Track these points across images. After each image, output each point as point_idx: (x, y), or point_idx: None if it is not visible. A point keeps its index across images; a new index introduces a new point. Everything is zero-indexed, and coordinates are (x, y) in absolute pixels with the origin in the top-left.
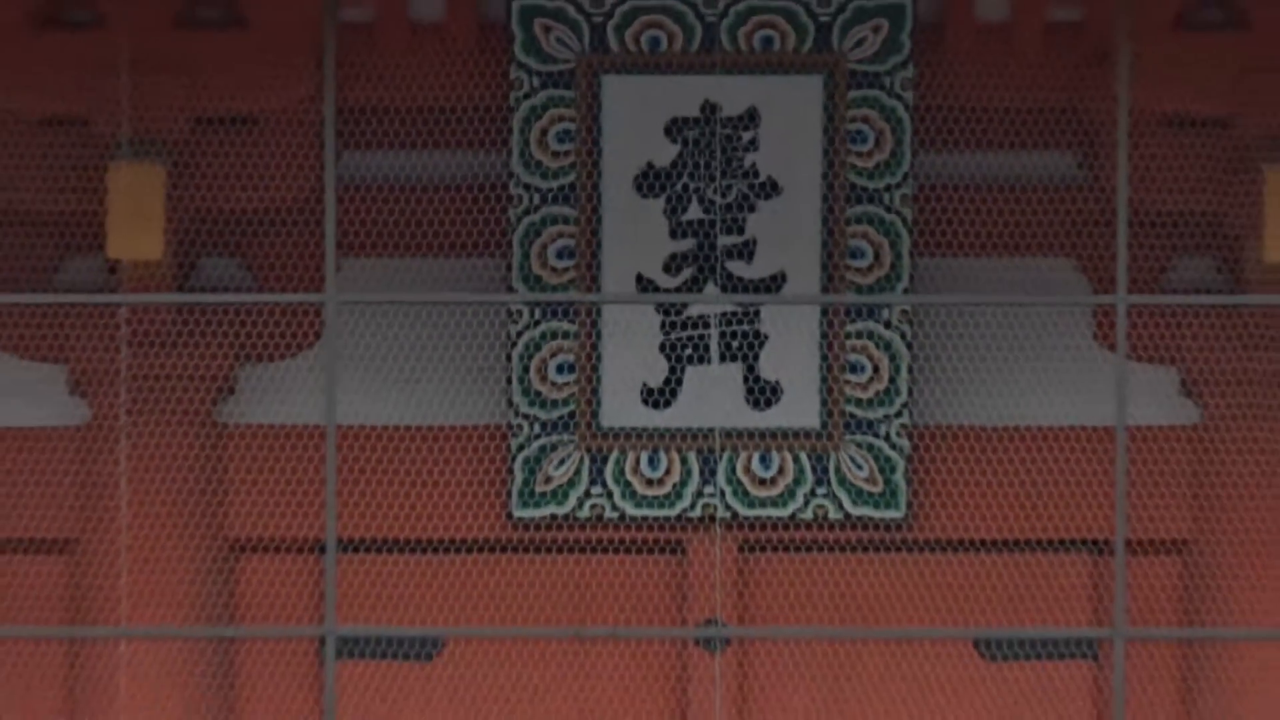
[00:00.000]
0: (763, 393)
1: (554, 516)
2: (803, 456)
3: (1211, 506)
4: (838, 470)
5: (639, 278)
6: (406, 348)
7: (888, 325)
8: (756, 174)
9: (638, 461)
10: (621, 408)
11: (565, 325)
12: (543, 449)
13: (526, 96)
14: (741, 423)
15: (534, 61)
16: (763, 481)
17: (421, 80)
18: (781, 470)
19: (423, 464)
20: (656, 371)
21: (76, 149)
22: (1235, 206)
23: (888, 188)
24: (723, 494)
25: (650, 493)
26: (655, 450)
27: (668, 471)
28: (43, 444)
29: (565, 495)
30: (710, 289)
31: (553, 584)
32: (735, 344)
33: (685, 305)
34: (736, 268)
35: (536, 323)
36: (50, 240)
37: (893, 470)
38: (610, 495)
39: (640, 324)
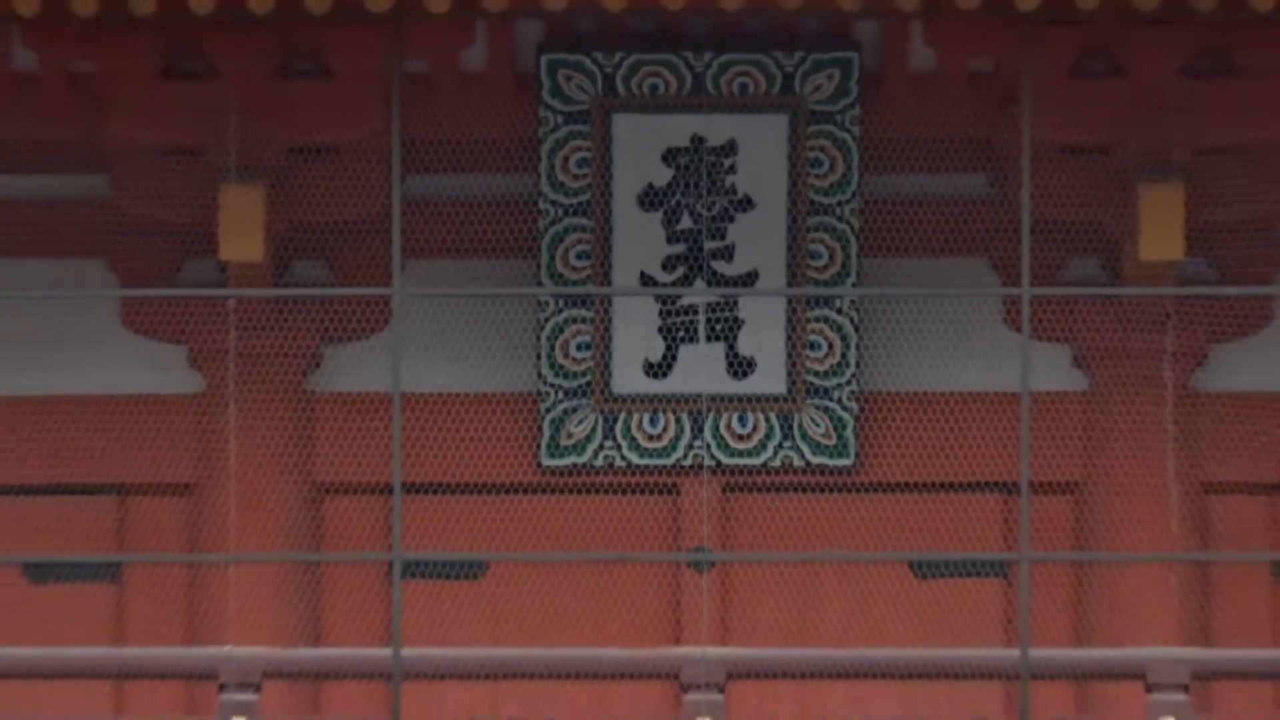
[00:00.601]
0: (740, 366)
1: (575, 465)
2: (772, 417)
3: (1097, 456)
4: (800, 427)
5: (642, 275)
6: (456, 331)
7: (840, 312)
8: (735, 192)
9: (641, 421)
10: (628, 378)
11: (583, 313)
12: (566, 411)
13: (552, 131)
14: (723, 389)
15: (558, 103)
16: (741, 436)
17: (468, 118)
18: (755, 428)
19: (470, 423)
20: (655, 349)
21: (194, 174)
22: (1116, 216)
23: (839, 203)
24: (709, 446)
25: (651, 446)
26: (655, 412)
27: (665, 429)
28: (168, 408)
29: (584, 448)
30: (699, 284)
31: (574, 519)
32: (718, 327)
33: (678, 297)
34: (720, 266)
35: (560, 311)
36: (174, 246)
37: (844, 427)
38: (619, 448)
39: (642, 312)
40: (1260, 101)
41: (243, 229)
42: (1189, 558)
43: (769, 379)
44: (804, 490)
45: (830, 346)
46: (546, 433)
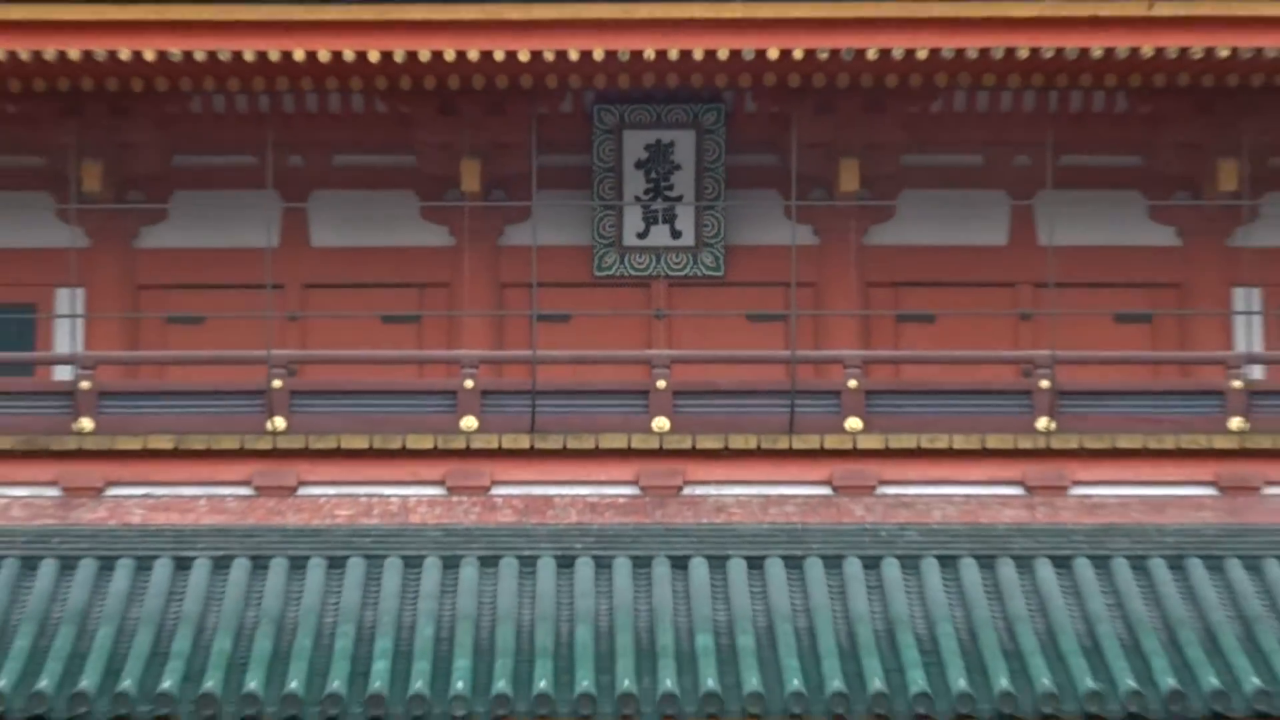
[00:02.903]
0: (675, 233)
1: (608, 275)
2: (688, 255)
3: None
4: (701, 260)
5: (636, 197)
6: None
7: (711, 212)
8: (674, 163)
9: (635, 257)
10: (629, 238)
11: (612, 214)
12: (605, 251)
13: (598, 137)
14: (668, 244)
15: (600, 125)
16: (675, 264)
17: (566, 131)
18: (682, 259)
19: (574, 263)
20: (640, 226)
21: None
22: None
23: (714, 165)
24: (663, 267)
25: (638, 268)
26: (640, 253)
27: (645, 260)
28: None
29: (612, 268)
30: (658, 200)
31: (609, 296)
32: (665, 216)
33: (651, 204)
34: (667, 192)
35: (606, 213)
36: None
37: (720, 258)
38: (627, 268)
39: (636, 211)
40: None
41: None
42: None
43: (687, 239)
44: (702, 286)
45: (717, 226)
46: (596, 260)
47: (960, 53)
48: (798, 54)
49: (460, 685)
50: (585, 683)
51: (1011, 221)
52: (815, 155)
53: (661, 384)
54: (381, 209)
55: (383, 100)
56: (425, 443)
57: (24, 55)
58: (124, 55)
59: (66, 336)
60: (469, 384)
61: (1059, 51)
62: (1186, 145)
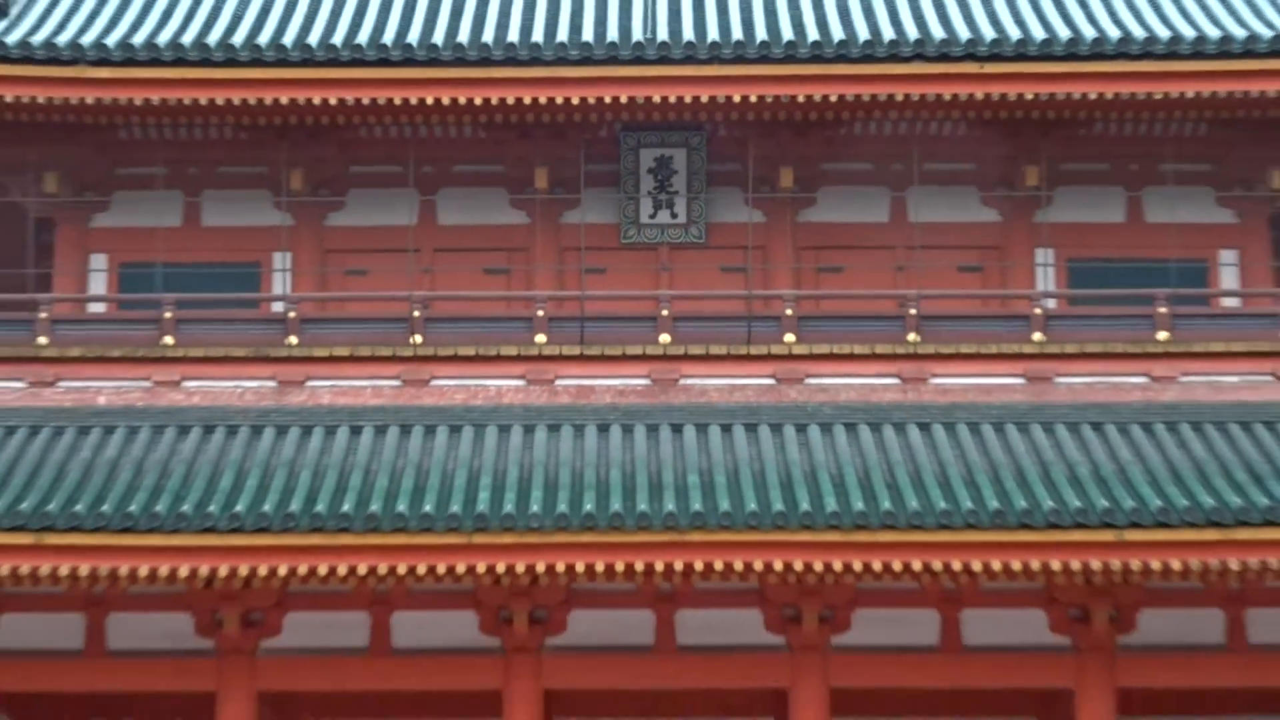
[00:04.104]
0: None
1: (633, 240)
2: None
3: None
4: (694, 231)
5: (650, 191)
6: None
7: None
8: (674, 169)
9: (649, 230)
10: (645, 217)
11: (630, 203)
12: (628, 226)
13: (625, 152)
14: (669, 223)
15: (627, 145)
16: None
17: (604, 148)
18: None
19: (607, 235)
20: (650, 210)
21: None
22: None
23: (699, 172)
24: (665, 235)
25: (652, 232)
26: (652, 228)
27: (655, 235)
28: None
29: (635, 235)
30: (663, 192)
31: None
32: (668, 200)
33: (660, 191)
34: (668, 186)
35: (629, 199)
36: None
37: (704, 233)
38: (641, 232)
39: (648, 200)
40: None
41: None
42: None
43: (681, 219)
44: (691, 249)
45: (701, 210)
46: (622, 232)
47: (857, 96)
48: (752, 99)
49: (535, 508)
50: (616, 505)
51: (891, 206)
52: (763, 164)
53: (665, 312)
54: (483, 200)
55: (485, 130)
56: (511, 351)
57: (252, 101)
58: (316, 100)
59: (280, 283)
60: (540, 313)
61: (921, 96)
62: (1004, 156)
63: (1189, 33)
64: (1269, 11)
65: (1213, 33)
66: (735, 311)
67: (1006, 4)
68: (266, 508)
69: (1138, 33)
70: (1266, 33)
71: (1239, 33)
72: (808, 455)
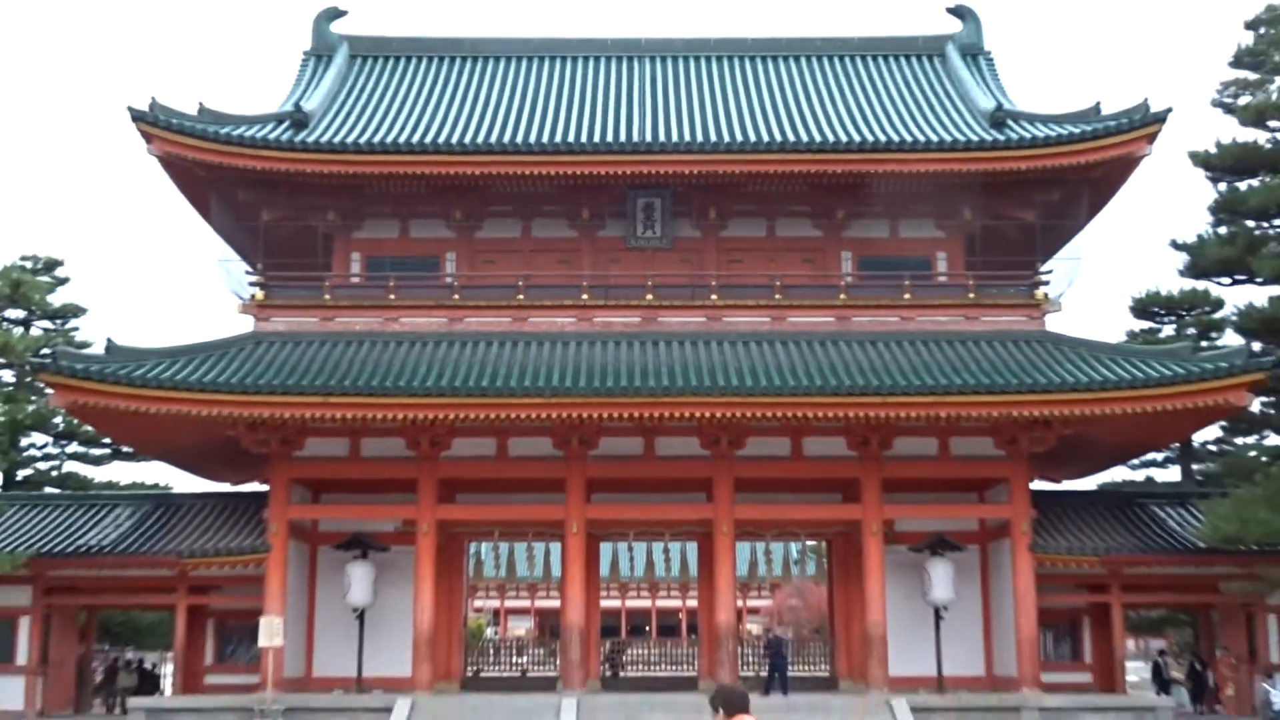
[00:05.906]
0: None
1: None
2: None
3: None
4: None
5: (642, 221)
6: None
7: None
8: (658, 214)
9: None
10: (638, 235)
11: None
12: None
13: (630, 199)
14: (652, 237)
15: (635, 199)
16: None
17: (612, 202)
18: None
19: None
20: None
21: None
22: None
23: (682, 212)
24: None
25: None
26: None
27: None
28: None
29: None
30: (652, 227)
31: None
32: (658, 228)
33: (648, 220)
34: (654, 220)
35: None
36: None
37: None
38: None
39: (648, 231)
40: None
41: None
42: None
43: (658, 236)
44: (663, 251)
45: (669, 231)
46: (626, 241)
47: (744, 171)
48: (695, 171)
49: (581, 383)
50: (624, 382)
51: (767, 227)
52: (700, 205)
53: (649, 284)
54: (555, 224)
55: (554, 186)
56: (569, 302)
57: (432, 173)
58: (473, 172)
59: (449, 267)
60: (584, 284)
61: (776, 170)
62: (824, 201)
63: (921, 136)
64: (976, 124)
65: (936, 136)
66: (687, 283)
67: (830, 118)
68: (443, 382)
69: (886, 137)
70: (964, 138)
71: (950, 137)
72: (722, 357)
